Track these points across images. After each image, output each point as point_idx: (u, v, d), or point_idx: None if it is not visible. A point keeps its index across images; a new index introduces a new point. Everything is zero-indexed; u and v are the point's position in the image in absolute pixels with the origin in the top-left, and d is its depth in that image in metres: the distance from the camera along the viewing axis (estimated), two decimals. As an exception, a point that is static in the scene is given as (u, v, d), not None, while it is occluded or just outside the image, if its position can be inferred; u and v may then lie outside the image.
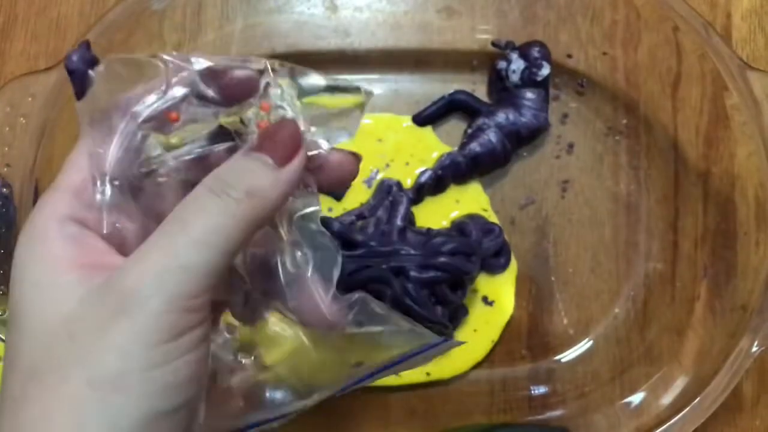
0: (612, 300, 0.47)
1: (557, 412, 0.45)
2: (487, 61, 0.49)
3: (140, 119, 0.25)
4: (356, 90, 0.27)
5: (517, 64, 0.47)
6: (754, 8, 0.51)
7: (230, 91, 0.26)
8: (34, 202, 0.40)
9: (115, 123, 0.25)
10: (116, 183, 0.25)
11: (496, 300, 0.46)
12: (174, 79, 0.25)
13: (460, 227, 0.45)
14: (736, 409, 0.45)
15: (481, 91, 0.49)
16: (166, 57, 0.25)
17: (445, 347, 0.28)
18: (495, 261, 0.46)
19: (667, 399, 0.43)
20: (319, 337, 0.28)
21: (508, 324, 0.46)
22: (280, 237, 0.26)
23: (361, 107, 0.27)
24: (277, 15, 0.49)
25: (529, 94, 0.47)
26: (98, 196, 0.24)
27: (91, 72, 0.25)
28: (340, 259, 0.26)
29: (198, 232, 0.22)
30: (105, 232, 0.24)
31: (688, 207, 0.47)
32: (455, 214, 0.47)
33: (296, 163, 0.25)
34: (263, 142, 0.25)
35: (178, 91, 0.25)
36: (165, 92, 0.25)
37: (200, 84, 0.25)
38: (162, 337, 0.21)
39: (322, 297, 0.26)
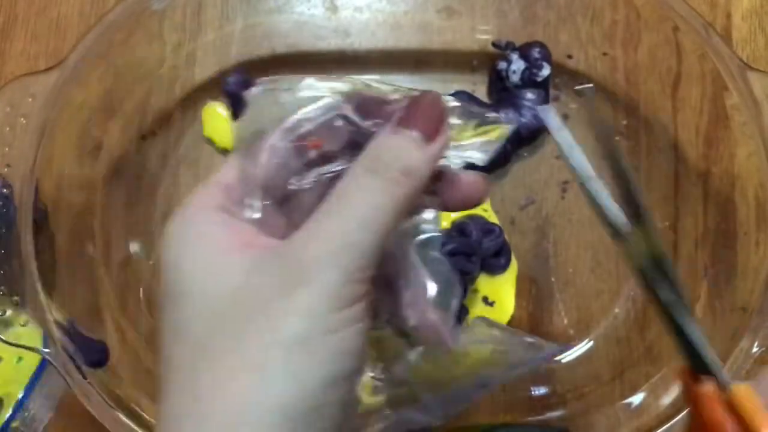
0: (612, 300, 0.47)
1: (557, 413, 0.45)
2: (487, 62, 0.49)
3: (291, 139, 0.26)
4: (501, 123, 0.28)
5: (518, 65, 0.47)
6: (754, 8, 0.51)
7: (380, 118, 0.27)
8: (35, 202, 0.40)
9: (268, 141, 0.26)
10: (266, 203, 0.26)
11: (496, 300, 0.46)
12: (323, 102, 0.26)
13: (460, 227, 0.45)
14: (736, 410, 0.45)
15: (481, 92, 0.49)
16: (316, 82, 0.27)
17: (559, 350, 0.29)
18: (495, 261, 0.46)
19: (667, 399, 0.43)
20: (437, 355, 0.29)
21: (508, 324, 0.46)
22: (402, 258, 0.26)
23: (502, 138, 0.28)
24: (277, 15, 0.49)
25: (530, 95, 0.47)
26: (247, 212, 0.26)
27: (245, 94, 0.26)
28: (459, 290, 0.27)
29: (362, 211, 0.23)
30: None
31: (688, 207, 0.47)
32: (456, 214, 0.47)
33: (443, 137, 0.25)
34: (409, 117, 0.25)
35: (327, 114, 0.26)
36: (315, 116, 0.26)
37: (349, 111, 0.26)
38: (340, 304, 0.23)
39: (440, 323, 0.26)
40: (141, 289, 0.46)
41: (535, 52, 0.47)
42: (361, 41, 0.50)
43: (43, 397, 0.44)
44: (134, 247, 0.47)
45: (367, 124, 0.26)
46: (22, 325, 0.39)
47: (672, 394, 0.43)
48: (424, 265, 0.26)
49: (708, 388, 0.27)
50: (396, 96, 0.27)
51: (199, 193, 0.26)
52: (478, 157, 0.28)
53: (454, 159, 0.27)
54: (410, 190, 0.24)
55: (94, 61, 0.43)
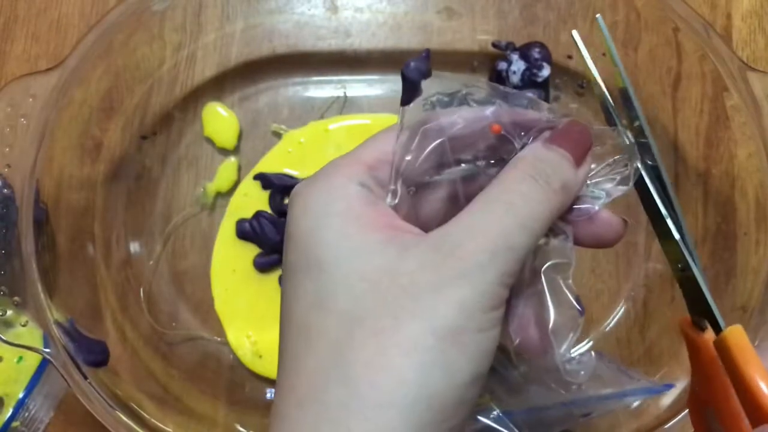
0: (612, 300, 0.47)
1: (557, 413, 0.45)
2: (488, 62, 0.49)
3: (447, 136, 0.26)
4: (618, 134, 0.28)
5: (518, 65, 0.47)
6: (754, 9, 0.51)
7: (529, 134, 0.27)
8: (35, 202, 0.40)
9: (426, 133, 0.26)
10: (409, 188, 0.26)
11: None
12: (481, 109, 0.27)
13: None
14: (736, 410, 0.46)
15: (481, 92, 0.49)
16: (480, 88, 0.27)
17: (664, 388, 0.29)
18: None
19: (667, 399, 0.43)
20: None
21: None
22: (526, 276, 0.26)
23: (632, 157, 0.28)
24: (277, 15, 0.49)
25: (530, 95, 0.47)
26: (389, 197, 0.26)
27: (422, 83, 0.27)
28: (580, 322, 0.26)
29: (523, 216, 0.24)
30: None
31: (688, 207, 0.47)
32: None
33: (588, 163, 0.26)
34: (563, 138, 0.26)
35: (482, 121, 0.26)
36: (471, 118, 0.26)
37: (505, 120, 0.26)
38: (492, 304, 0.23)
39: (543, 349, 0.26)
40: (141, 289, 0.46)
41: (535, 53, 0.47)
42: (361, 41, 0.50)
43: (43, 396, 0.44)
44: (134, 247, 0.47)
45: (517, 138, 0.26)
46: (23, 325, 0.39)
47: (672, 394, 0.43)
48: (549, 289, 0.26)
49: (705, 335, 0.28)
50: (547, 117, 0.27)
51: (341, 165, 0.26)
52: (611, 188, 0.28)
53: (596, 187, 0.27)
54: (562, 205, 0.25)
55: (95, 62, 0.43)
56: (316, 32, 0.50)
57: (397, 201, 0.26)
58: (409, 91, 0.27)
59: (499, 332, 0.24)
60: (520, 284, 0.26)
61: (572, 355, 0.26)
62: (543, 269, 0.26)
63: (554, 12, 0.49)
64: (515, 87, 0.47)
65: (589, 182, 0.27)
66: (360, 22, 0.50)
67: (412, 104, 0.27)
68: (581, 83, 0.49)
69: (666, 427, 0.41)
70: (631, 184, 0.28)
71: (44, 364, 0.44)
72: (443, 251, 0.23)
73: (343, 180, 0.25)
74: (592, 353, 0.27)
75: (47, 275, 0.40)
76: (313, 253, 0.24)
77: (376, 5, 0.50)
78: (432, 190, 0.27)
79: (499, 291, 0.23)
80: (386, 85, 0.49)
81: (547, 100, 0.48)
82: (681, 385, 0.43)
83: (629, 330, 0.46)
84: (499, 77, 0.48)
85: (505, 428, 0.28)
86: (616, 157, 0.28)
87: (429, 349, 0.22)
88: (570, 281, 0.26)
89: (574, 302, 0.26)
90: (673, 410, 0.41)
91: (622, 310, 0.47)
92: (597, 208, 0.27)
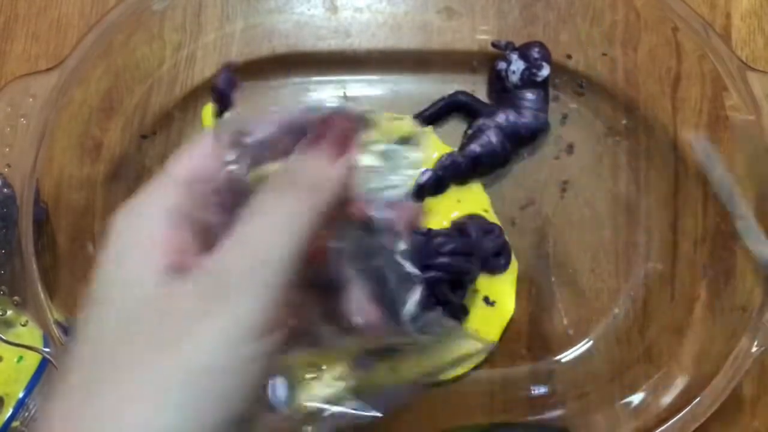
0: (612, 300, 0.47)
1: (557, 412, 0.45)
2: (487, 62, 0.49)
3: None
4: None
5: (517, 65, 0.47)
6: (753, 9, 0.51)
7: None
8: (35, 201, 0.40)
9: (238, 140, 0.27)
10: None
11: (497, 300, 0.46)
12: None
13: (460, 227, 0.45)
14: (736, 410, 0.46)
15: (481, 92, 0.49)
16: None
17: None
18: (495, 261, 0.46)
19: (666, 399, 0.43)
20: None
21: (509, 324, 0.47)
22: (342, 267, 0.27)
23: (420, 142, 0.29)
24: (277, 15, 0.50)
25: (529, 95, 0.47)
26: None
27: (233, 93, 0.28)
28: (417, 291, 0.27)
29: (277, 225, 0.23)
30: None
31: (687, 207, 0.47)
32: (456, 214, 0.47)
33: (349, 156, 0.26)
34: (319, 136, 0.26)
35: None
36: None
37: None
38: (261, 330, 0.22)
39: (381, 320, 0.27)
40: (141, 289, 0.46)
41: (535, 53, 0.47)
42: (361, 42, 0.50)
43: (43, 396, 0.44)
44: (134, 247, 0.47)
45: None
46: (23, 325, 0.39)
47: (672, 394, 0.43)
48: (368, 270, 0.27)
49: None
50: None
51: (153, 190, 0.26)
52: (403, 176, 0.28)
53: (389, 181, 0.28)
54: (319, 204, 0.24)
55: (95, 62, 0.43)
56: (315, 32, 0.50)
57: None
58: (222, 103, 0.29)
59: (274, 354, 0.23)
60: (337, 275, 0.27)
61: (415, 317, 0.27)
62: (372, 248, 0.27)
63: (554, 12, 0.49)
64: (515, 87, 0.47)
65: (382, 170, 0.27)
66: (360, 22, 0.50)
67: (226, 115, 0.28)
68: (580, 83, 0.49)
69: (665, 426, 0.41)
70: (420, 170, 0.29)
71: (44, 363, 0.44)
72: (207, 275, 0.23)
73: (148, 206, 0.25)
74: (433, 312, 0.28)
75: (47, 275, 0.40)
76: (98, 283, 0.24)
77: (376, 5, 0.50)
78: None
79: (269, 312, 0.22)
80: (386, 85, 0.49)
81: (546, 99, 0.48)
82: (680, 384, 0.43)
83: (629, 329, 0.46)
84: (498, 77, 0.48)
85: (361, 409, 0.28)
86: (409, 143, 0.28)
87: (174, 392, 0.21)
88: (403, 248, 0.27)
89: (408, 268, 0.27)
90: (673, 410, 0.41)
91: (622, 309, 0.47)
92: (394, 194, 0.27)
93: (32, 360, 0.44)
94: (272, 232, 0.23)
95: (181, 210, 0.25)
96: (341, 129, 0.26)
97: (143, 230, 0.24)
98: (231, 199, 0.26)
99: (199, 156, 0.27)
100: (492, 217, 0.47)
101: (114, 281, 0.24)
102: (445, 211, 0.47)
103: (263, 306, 0.22)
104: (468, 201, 0.48)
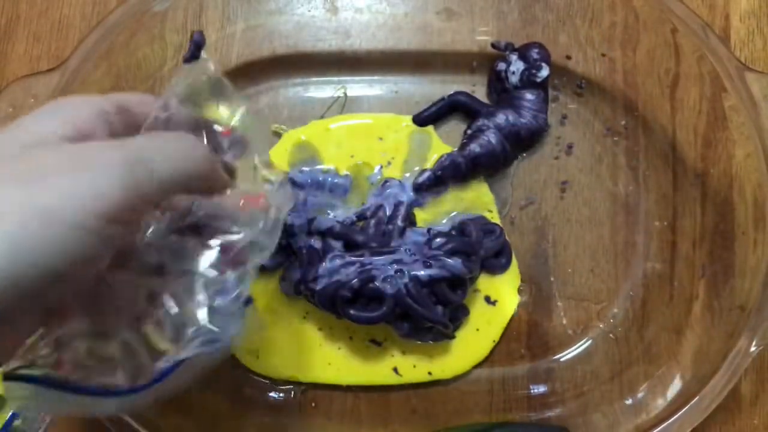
0: (611, 300, 0.47)
1: (557, 411, 0.45)
2: (487, 63, 0.49)
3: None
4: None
5: (517, 66, 0.47)
6: (752, 10, 0.51)
7: None
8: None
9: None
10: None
11: (498, 300, 0.47)
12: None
13: (460, 227, 0.46)
14: (735, 409, 0.46)
15: (480, 93, 0.50)
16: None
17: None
18: (496, 261, 0.47)
19: (665, 398, 0.43)
20: None
21: (508, 324, 0.47)
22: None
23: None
24: (278, 16, 0.50)
25: (529, 96, 0.47)
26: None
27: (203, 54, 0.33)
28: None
29: (169, 147, 0.28)
30: None
31: (686, 207, 0.47)
32: (458, 214, 0.47)
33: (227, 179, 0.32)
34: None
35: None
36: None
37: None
38: (103, 209, 0.24)
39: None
40: (142, 289, 0.46)
41: (534, 53, 0.47)
42: (361, 42, 0.50)
43: (44, 396, 0.45)
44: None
45: None
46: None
47: (671, 393, 0.43)
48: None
49: None
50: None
51: (91, 95, 0.30)
52: None
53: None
54: (204, 169, 0.29)
55: (96, 62, 0.43)
56: (316, 33, 0.50)
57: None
58: (193, 53, 0.34)
59: (105, 245, 0.25)
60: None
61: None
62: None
63: (553, 13, 0.49)
64: (514, 87, 0.47)
65: None
66: (360, 23, 0.50)
67: (189, 65, 0.33)
68: (580, 83, 0.49)
69: (665, 425, 0.41)
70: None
71: (46, 363, 0.44)
72: (92, 150, 0.26)
73: (81, 102, 0.29)
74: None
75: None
76: (14, 127, 0.27)
77: (376, 6, 0.50)
78: None
79: (115, 202, 0.24)
80: (386, 86, 0.50)
81: (546, 100, 0.48)
82: (679, 383, 0.43)
83: (628, 329, 0.47)
84: (498, 78, 0.48)
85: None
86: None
87: (20, 216, 0.23)
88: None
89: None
90: (672, 409, 0.41)
91: (621, 309, 0.47)
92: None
93: (34, 359, 0.44)
94: (158, 147, 0.27)
95: (107, 116, 0.29)
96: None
97: (66, 106, 0.28)
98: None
99: (139, 98, 0.31)
100: (495, 217, 0.48)
101: (21, 124, 0.27)
102: (449, 210, 0.47)
103: (122, 194, 0.24)
104: (471, 201, 0.48)
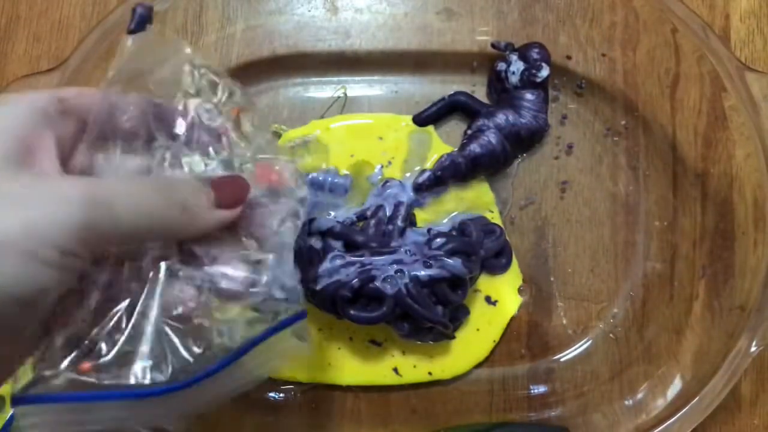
0: (611, 300, 0.47)
1: (557, 411, 0.45)
2: (487, 63, 0.49)
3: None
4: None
5: (517, 66, 0.47)
6: (752, 10, 0.51)
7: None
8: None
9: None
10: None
11: (499, 300, 0.47)
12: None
13: (460, 227, 0.46)
14: (735, 409, 0.46)
15: (480, 93, 0.50)
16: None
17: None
18: (496, 261, 0.47)
19: (665, 398, 0.43)
20: None
21: (508, 324, 0.47)
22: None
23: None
24: (278, 16, 0.50)
25: (529, 96, 0.47)
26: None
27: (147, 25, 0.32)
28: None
29: (134, 199, 0.26)
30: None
31: (686, 207, 0.47)
32: (459, 214, 0.47)
33: (233, 212, 0.30)
34: (218, 184, 0.30)
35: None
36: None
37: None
38: (59, 243, 0.24)
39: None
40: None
41: (534, 53, 0.47)
42: (361, 42, 0.50)
43: (44, 396, 0.44)
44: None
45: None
46: (25, 325, 0.39)
47: (671, 393, 0.43)
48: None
49: None
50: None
51: (29, 92, 0.29)
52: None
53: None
54: (180, 226, 0.28)
55: (96, 62, 0.43)
56: (316, 33, 0.50)
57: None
58: (138, 24, 0.32)
59: (58, 280, 0.24)
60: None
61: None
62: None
63: (553, 13, 0.49)
64: (514, 87, 0.47)
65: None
66: (360, 23, 0.50)
67: (136, 35, 0.31)
68: (580, 83, 0.49)
69: (665, 426, 0.41)
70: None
71: (46, 363, 0.44)
72: (49, 179, 0.26)
73: (20, 104, 0.28)
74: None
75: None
76: None
77: (376, 6, 0.50)
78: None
79: (77, 238, 0.24)
80: (386, 86, 0.50)
81: (546, 100, 0.48)
82: (679, 383, 0.43)
83: (628, 329, 0.47)
84: (498, 78, 0.48)
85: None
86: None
87: None
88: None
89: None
90: (672, 409, 0.41)
91: (621, 309, 0.47)
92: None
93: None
94: (125, 200, 0.26)
95: (48, 114, 0.28)
96: (239, 191, 0.31)
97: (6, 116, 0.27)
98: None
99: (76, 92, 0.30)
100: (496, 218, 0.48)
101: None
102: (448, 211, 0.47)
103: (71, 227, 0.24)
104: (472, 201, 0.48)
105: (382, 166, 0.48)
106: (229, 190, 0.30)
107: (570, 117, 0.49)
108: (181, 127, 0.32)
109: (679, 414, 0.41)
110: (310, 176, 0.47)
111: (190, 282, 0.29)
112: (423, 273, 0.42)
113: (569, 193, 0.48)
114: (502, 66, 0.48)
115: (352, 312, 0.42)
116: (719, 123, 0.46)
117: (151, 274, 0.28)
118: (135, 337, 0.27)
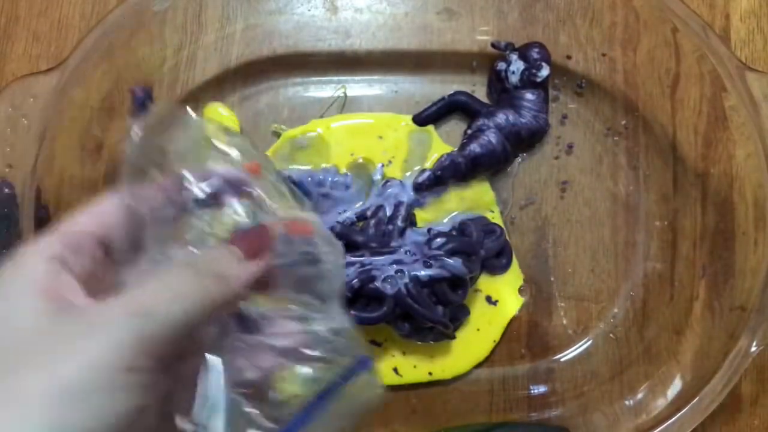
0: (611, 300, 0.47)
1: (557, 411, 0.45)
2: (487, 63, 0.49)
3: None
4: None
5: (517, 66, 0.47)
6: (752, 9, 0.51)
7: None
8: (36, 201, 0.41)
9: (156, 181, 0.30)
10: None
11: (499, 300, 0.47)
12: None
13: (461, 227, 0.46)
14: (735, 409, 0.46)
15: (480, 92, 0.50)
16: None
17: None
18: (496, 261, 0.47)
19: (666, 398, 0.43)
20: None
21: (508, 324, 0.47)
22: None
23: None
24: (277, 16, 0.50)
25: (529, 96, 0.47)
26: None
27: (149, 106, 0.30)
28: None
29: (170, 292, 0.26)
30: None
31: (686, 207, 0.47)
32: (459, 214, 0.47)
33: (260, 262, 0.29)
34: (238, 240, 0.29)
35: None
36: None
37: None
38: (127, 365, 0.24)
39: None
40: (142, 289, 0.46)
41: (534, 53, 0.47)
42: (361, 42, 0.50)
43: None
44: (135, 247, 0.47)
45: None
46: (24, 325, 0.39)
47: (671, 393, 0.43)
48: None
49: None
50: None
51: (36, 242, 0.27)
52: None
53: None
54: (220, 293, 0.27)
55: (96, 62, 0.43)
56: (316, 33, 0.50)
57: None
58: (140, 106, 0.32)
59: (141, 396, 0.24)
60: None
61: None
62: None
63: (553, 13, 0.49)
64: (515, 87, 0.47)
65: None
66: (360, 22, 0.50)
67: (140, 119, 0.30)
68: (580, 83, 0.49)
69: (665, 426, 0.41)
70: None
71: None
72: (86, 315, 0.25)
73: (31, 254, 0.27)
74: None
75: (49, 275, 0.40)
76: None
77: (376, 6, 0.50)
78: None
79: (137, 353, 0.24)
80: (386, 86, 0.50)
81: (546, 100, 0.48)
82: (679, 383, 0.43)
83: (628, 329, 0.47)
84: (498, 77, 0.48)
85: None
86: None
87: (40, 406, 0.22)
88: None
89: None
90: (672, 409, 0.41)
91: (621, 309, 0.47)
92: None
93: (33, 360, 0.44)
94: (162, 297, 0.25)
95: (61, 258, 0.27)
96: (260, 238, 0.29)
97: (26, 272, 0.26)
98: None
99: (95, 213, 0.29)
100: (497, 218, 0.47)
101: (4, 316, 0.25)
102: (448, 210, 0.47)
103: (131, 345, 0.24)
104: (473, 201, 0.48)
105: (383, 165, 0.48)
106: (251, 240, 0.29)
107: (570, 117, 0.49)
108: (204, 193, 0.31)
109: (679, 414, 0.41)
110: (310, 174, 0.47)
111: (251, 348, 0.29)
112: (423, 273, 0.42)
113: (569, 193, 0.48)
114: (502, 66, 0.48)
115: (352, 312, 0.42)
116: (719, 123, 0.46)
117: (212, 353, 0.28)
118: (212, 416, 0.28)
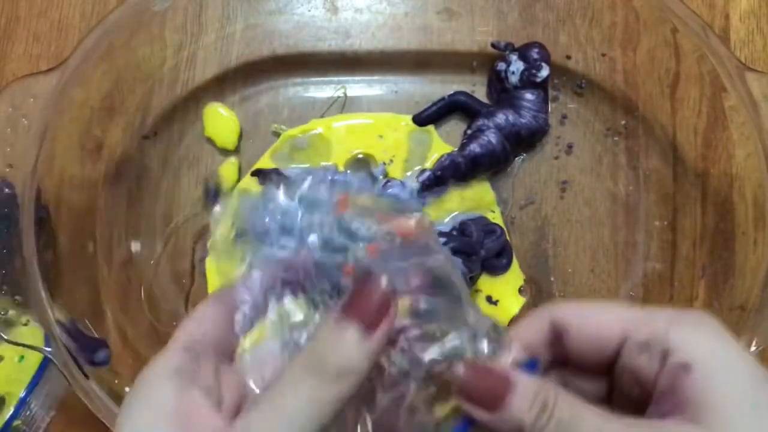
0: (611, 300, 0.47)
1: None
2: (487, 63, 0.49)
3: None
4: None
5: (517, 66, 0.47)
6: (752, 10, 0.51)
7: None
8: (36, 201, 0.41)
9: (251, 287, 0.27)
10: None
11: (500, 300, 0.47)
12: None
13: (461, 227, 0.46)
14: (735, 409, 0.46)
15: (480, 93, 0.50)
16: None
17: None
18: (496, 261, 0.47)
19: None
20: None
21: (509, 324, 0.47)
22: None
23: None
24: (277, 16, 0.50)
25: (529, 96, 0.47)
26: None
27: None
28: None
29: (292, 408, 0.24)
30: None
31: (686, 207, 0.47)
32: (460, 214, 0.47)
33: (384, 327, 0.24)
34: (352, 307, 0.25)
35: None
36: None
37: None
38: None
39: None
40: (142, 288, 0.47)
41: (534, 53, 0.47)
42: (361, 42, 0.50)
43: (44, 395, 0.45)
44: (135, 246, 0.47)
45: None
46: (24, 324, 0.39)
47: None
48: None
49: None
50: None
51: (162, 356, 0.26)
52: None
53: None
54: (345, 389, 0.24)
55: (96, 62, 0.43)
56: (316, 33, 0.50)
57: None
58: (214, 197, 0.32)
59: None
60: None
61: None
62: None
63: (553, 13, 0.49)
64: (514, 87, 0.47)
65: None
66: (360, 23, 0.50)
67: (218, 207, 0.28)
68: (580, 83, 0.49)
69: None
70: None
71: (45, 363, 0.44)
72: None
73: (155, 373, 0.26)
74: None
75: (49, 275, 0.40)
76: None
77: (376, 6, 0.50)
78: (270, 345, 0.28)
79: None
80: (386, 86, 0.50)
81: (546, 100, 0.48)
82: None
83: (628, 329, 0.46)
84: (498, 77, 0.48)
85: None
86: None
87: None
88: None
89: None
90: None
91: (621, 309, 0.47)
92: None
93: (33, 359, 0.44)
94: (286, 416, 0.24)
95: (185, 373, 0.25)
96: (377, 297, 0.24)
97: (145, 394, 0.25)
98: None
99: (202, 319, 0.27)
100: (498, 218, 0.47)
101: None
102: (449, 210, 0.47)
103: None
104: (474, 201, 0.48)
105: (384, 164, 0.48)
106: (365, 300, 0.25)
107: (570, 117, 0.49)
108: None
109: (679, 414, 0.41)
110: (310, 172, 0.47)
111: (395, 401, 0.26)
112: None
113: (569, 193, 0.48)
114: (502, 66, 0.48)
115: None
116: (719, 123, 0.46)
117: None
118: None
